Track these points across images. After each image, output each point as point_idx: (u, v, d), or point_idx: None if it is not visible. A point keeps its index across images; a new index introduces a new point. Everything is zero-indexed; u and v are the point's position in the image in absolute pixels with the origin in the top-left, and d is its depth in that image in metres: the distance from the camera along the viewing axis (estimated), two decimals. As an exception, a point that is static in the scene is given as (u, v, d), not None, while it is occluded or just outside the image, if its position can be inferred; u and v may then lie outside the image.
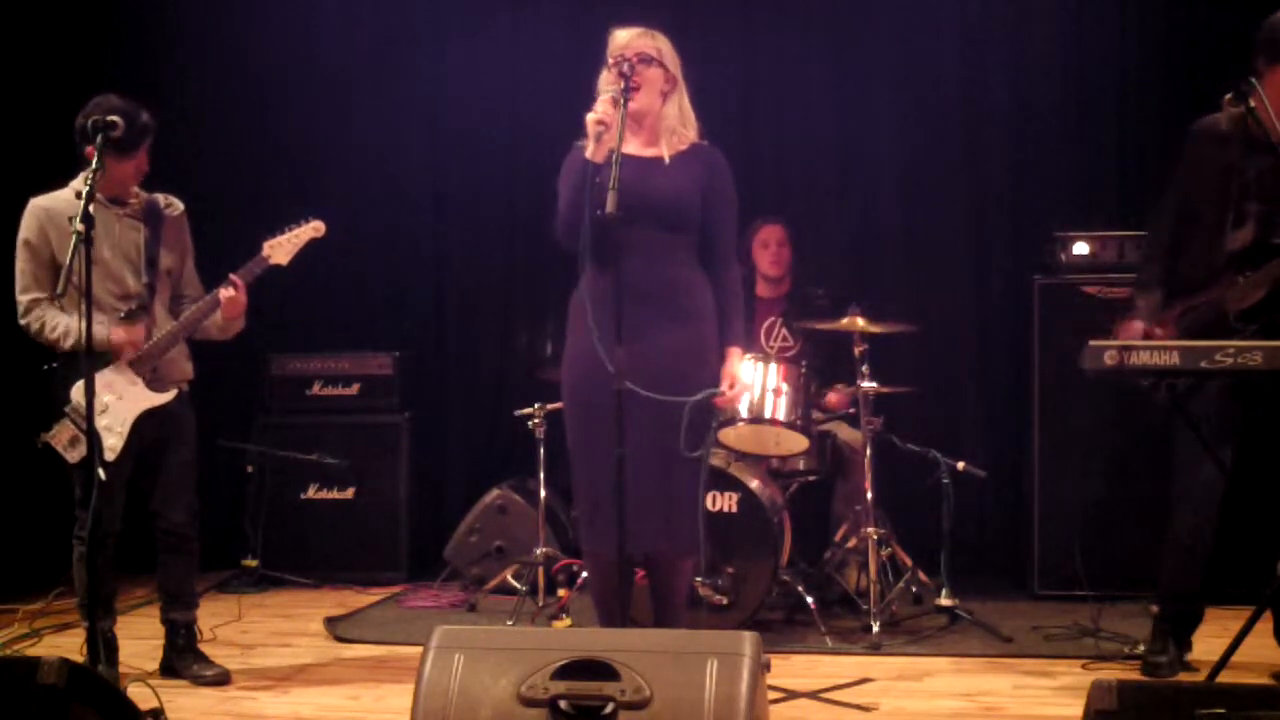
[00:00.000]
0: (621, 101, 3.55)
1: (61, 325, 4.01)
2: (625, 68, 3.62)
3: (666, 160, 3.75)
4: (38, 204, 4.09)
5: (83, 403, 3.76)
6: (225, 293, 4.12)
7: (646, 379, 3.51)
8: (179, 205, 4.32)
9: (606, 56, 3.74)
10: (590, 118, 3.56)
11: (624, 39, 3.74)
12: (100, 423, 3.95)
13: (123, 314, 4.09)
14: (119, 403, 4.05)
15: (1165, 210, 4.14)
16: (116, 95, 4.01)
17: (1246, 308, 3.83)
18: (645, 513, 3.52)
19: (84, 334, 3.54)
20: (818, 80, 6.15)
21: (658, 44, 3.76)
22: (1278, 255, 3.81)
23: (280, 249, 4.21)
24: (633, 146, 3.71)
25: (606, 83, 3.72)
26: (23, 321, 4.08)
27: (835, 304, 5.17)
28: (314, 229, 4.25)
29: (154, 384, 4.12)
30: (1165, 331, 3.92)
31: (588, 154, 3.55)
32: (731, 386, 3.76)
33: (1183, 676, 4.00)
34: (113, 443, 4.02)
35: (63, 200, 4.08)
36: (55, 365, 4.08)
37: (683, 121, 3.80)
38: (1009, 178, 6.01)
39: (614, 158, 3.40)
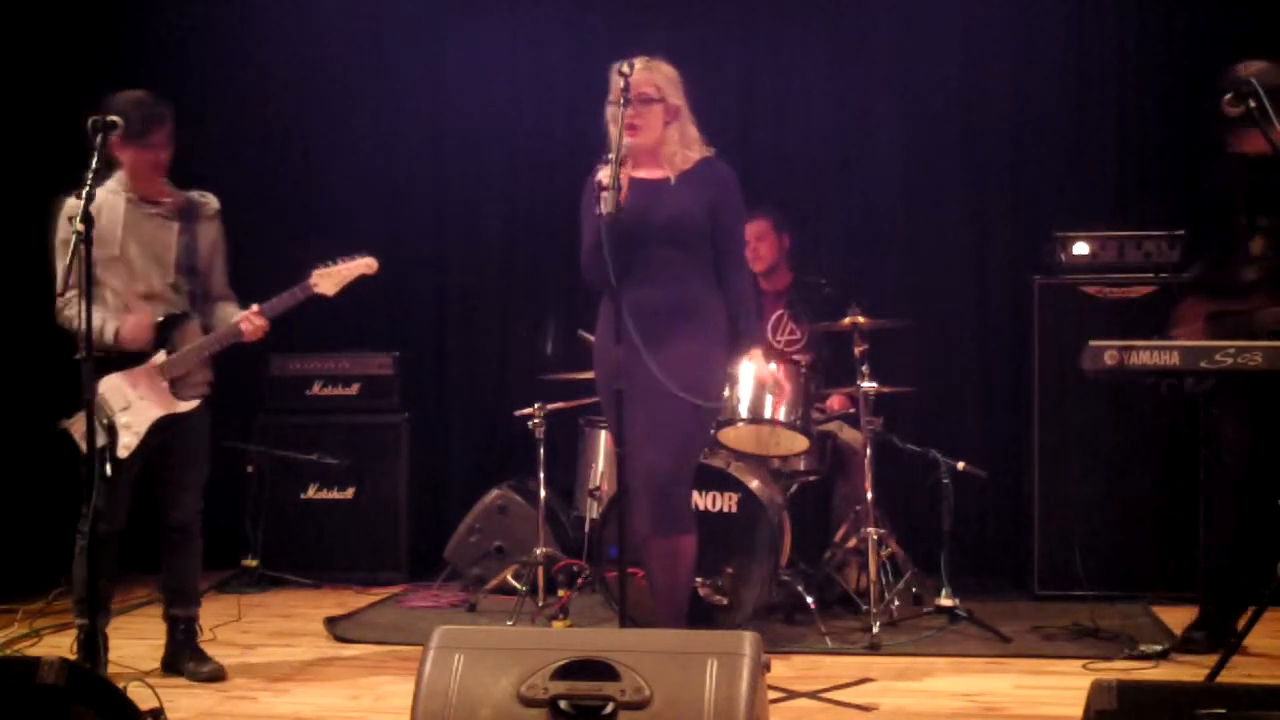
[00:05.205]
0: (619, 135, 3.72)
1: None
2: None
3: (672, 181, 3.92)
4: (71, 204, 4.01)
5: (108, 396, 3.82)
6: (247, 327, 4.08)
7: (659, 383, 3.75)
8: (214, 203, 4.26)
9: (610, 91, 3.87)
10: (599, 178, 3.72)
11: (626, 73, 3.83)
12: (121, 419, 3.98)
13: (160, 319, 4.06)
14: (142, 403, 4.05)
15: (1199, 225, 4.44)
16: (135, 89, 4.00)
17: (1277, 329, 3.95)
18: (648, 494, 3.84)
19: (87, 334, 3.53)
20: (818, 80, 6.14)
21: (656, 79, 3.90)
22: None
23: (329, 279, 4.15)
24: (642, 171, 3.91)
25: (612, 118, 3.86)
26: (64, 314, 4.02)
27: (838, 293, 5.21)
28: (366, 265, 4.19)
29: (178, 389, 4.11)
30: (1188, 328, 3.98)
31: (598, 211, 3.65)
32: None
33: (1183, 677, 3.99)
34: (128, 441, 4.01)
35: (95, 198, 4.02)
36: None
37: (684, 144, 3.97)
38: (1009, 178, 6.01)
39: (614, 157, 3.55)
